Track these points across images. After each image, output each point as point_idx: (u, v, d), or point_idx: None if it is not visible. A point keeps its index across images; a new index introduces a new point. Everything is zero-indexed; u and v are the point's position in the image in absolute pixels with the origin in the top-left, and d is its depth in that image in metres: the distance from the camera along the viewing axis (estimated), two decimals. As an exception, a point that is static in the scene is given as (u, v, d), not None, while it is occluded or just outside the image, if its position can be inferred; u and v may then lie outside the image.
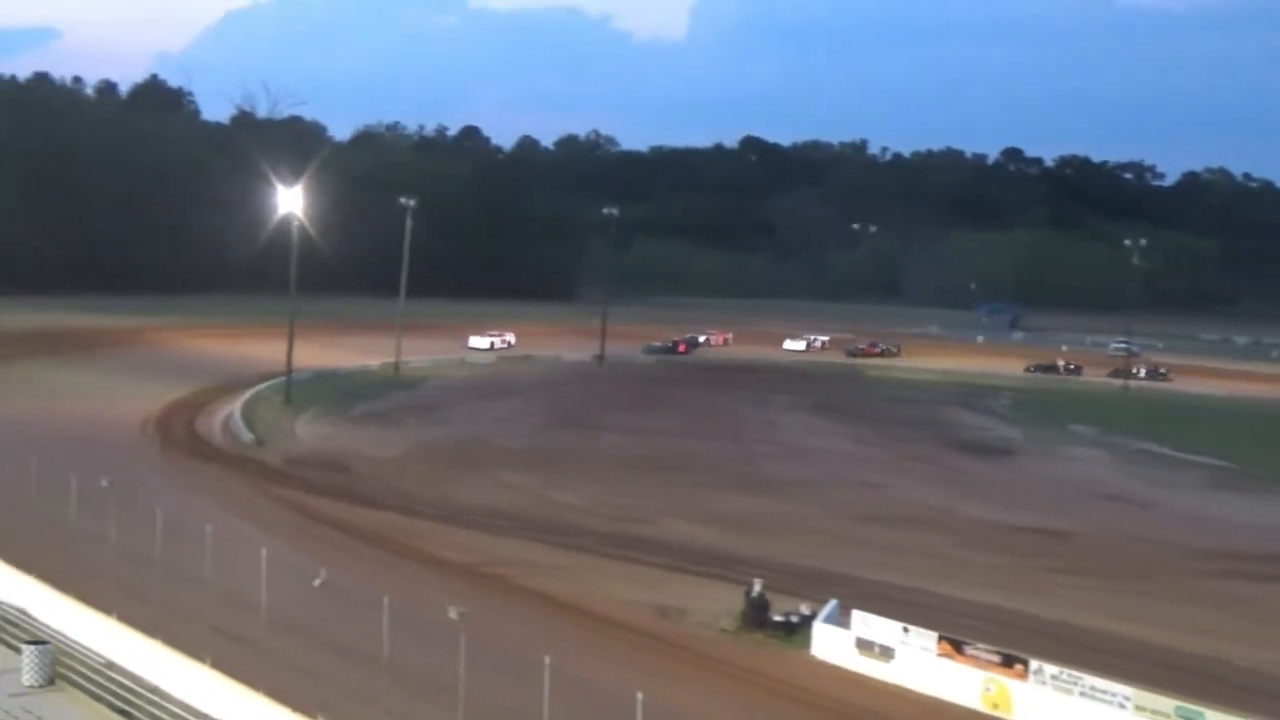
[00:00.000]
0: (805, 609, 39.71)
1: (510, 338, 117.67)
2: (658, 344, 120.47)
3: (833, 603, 39.36)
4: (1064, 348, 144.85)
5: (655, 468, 68.66)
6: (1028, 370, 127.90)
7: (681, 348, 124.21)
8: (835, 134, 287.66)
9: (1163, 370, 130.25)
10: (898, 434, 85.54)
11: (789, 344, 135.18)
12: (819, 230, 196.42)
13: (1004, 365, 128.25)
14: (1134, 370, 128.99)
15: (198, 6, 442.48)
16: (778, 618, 39.54)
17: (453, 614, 25.60)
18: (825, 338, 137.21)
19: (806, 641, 38.08)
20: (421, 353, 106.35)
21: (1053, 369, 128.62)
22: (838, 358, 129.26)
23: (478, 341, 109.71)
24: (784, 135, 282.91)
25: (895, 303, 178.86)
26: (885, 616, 36.95)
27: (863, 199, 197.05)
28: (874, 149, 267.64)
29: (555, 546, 49.97)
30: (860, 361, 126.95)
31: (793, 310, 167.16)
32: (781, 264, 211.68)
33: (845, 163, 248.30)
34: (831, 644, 37.43)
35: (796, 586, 43.47)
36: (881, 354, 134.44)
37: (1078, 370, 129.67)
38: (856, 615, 37.28)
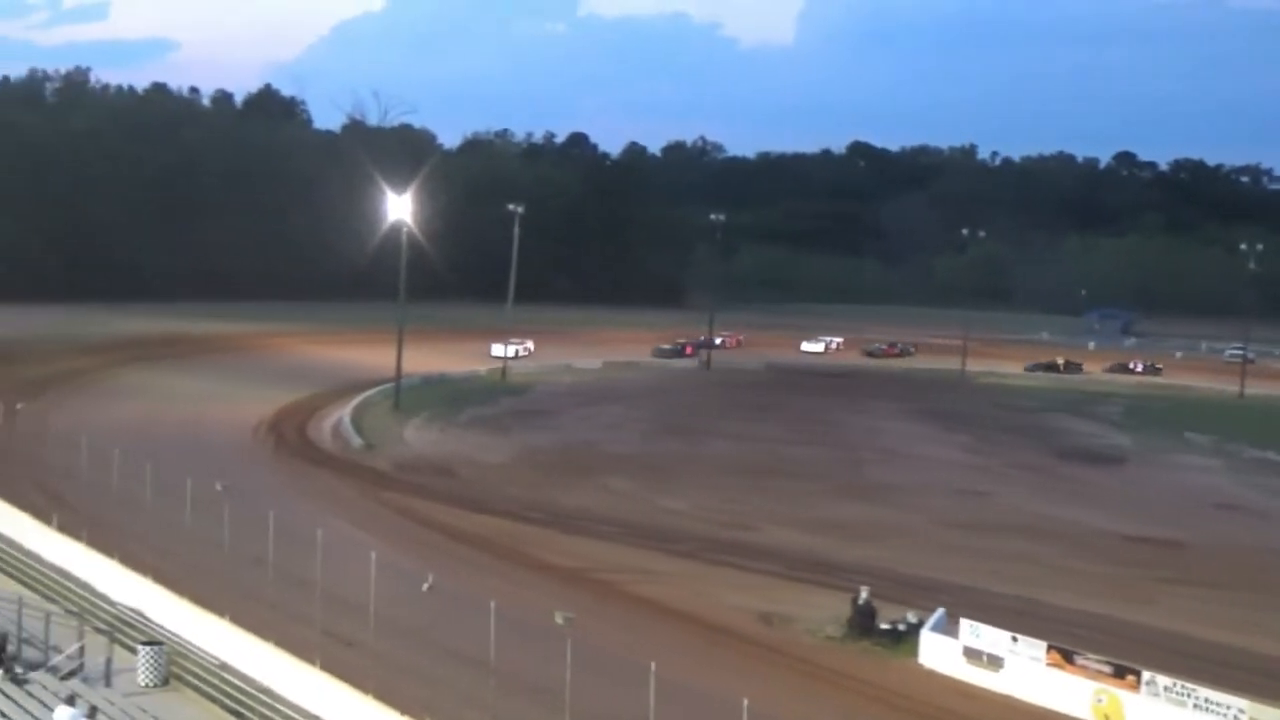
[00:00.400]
0: (912, 617, 39.47)
1: (530, 345, 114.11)
2: (667, 346, 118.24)
3: (940, 611, 39.08)
4: (1178, 354, 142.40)
5: (760, 474, 68.49)
6: (1027, 369, 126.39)
7: (689, 350, 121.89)
8: (944, 139, 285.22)
9: (1159, 366, 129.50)
10: (1004, 440, 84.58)
11: (806, 345, 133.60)
12: (927, 236, 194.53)
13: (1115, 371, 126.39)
14: (1130, 365, 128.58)
15: (309, 17, 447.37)
16: (884, 626, 39.33)
17: (559, 619, 25.70)
18: (840, 339, 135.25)
19: (914, 650, 37.83)
20: (530, 359, 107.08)
21: (1053, 367, 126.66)
22: (857, 358, 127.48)
23: (500, 349, 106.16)
24: (892, 140, 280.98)
25: (1005, 309, 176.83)
26: (993, 625, 36.63)
27: (972, 204, 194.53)
28: (983, 154, 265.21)
29: (661, 552, 50.06)
30: (945, 367, 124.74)
31: (899, 316, 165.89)
32: (889, 269, 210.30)
33: (954, 167, 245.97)
34: (939, 653, 37.15)
35: (903, 594, 43.22)
36: (900, 354, 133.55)
37: (1078, 367, 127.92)
38: (965, 624, 36.99)
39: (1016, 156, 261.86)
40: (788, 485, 65.73)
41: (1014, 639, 35.82)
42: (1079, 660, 34.54)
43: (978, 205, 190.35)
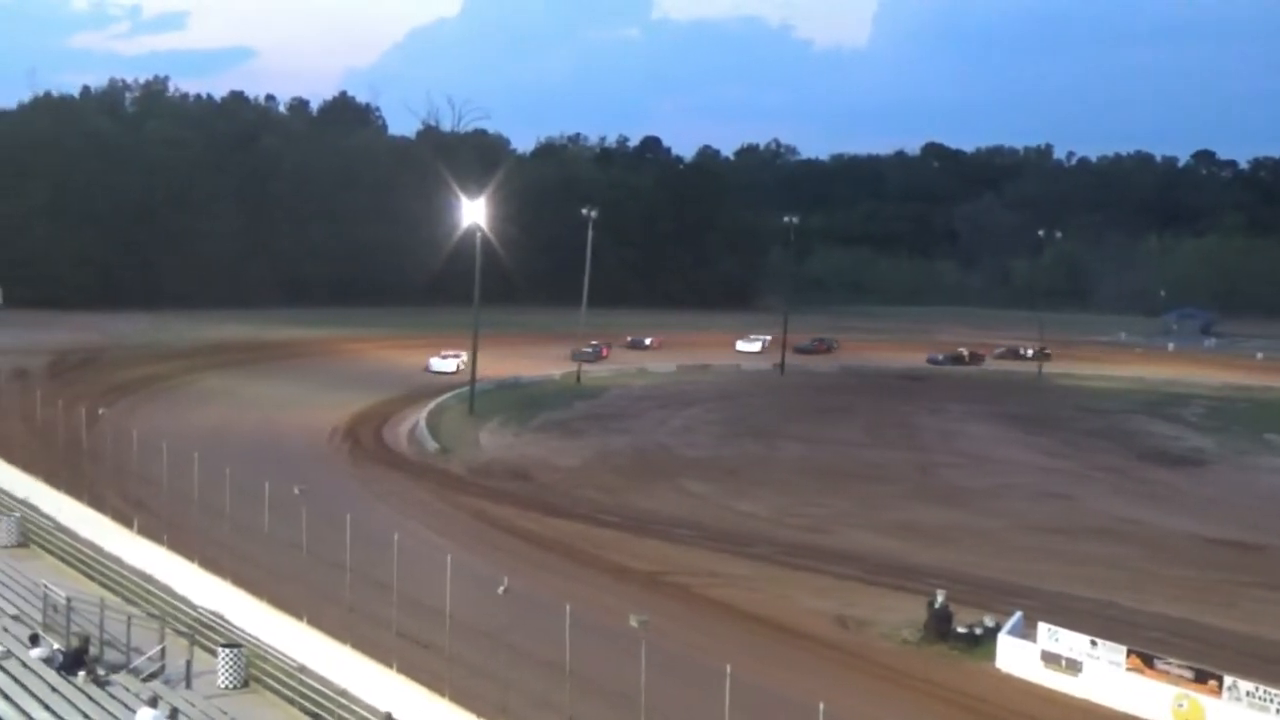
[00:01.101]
0: (989, 621, 39.23)
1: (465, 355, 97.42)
2: (586, 349, 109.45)
3: (1018, 615, 38.79)
4: (1259, 355, 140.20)
5: (836, 477, 68.26)
6: (930, 362, 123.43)
7: (605, 352, 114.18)
8: (1019, 139, 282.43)
9: (1047, 351, 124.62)
10: (1083, 443, 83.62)
11: (741, 345, 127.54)
12: (1003, 237, 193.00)
13: (1196, 373, 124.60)
14: (1022, 351, 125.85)
15: (384, 24, 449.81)
16: (961, 629, 39.10)
17: (634, 622, 25.71)
18: (769, 337, 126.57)
19: (991, 654, 37.59)
20: (604, 363, 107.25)
21: (959, 360, 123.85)
22: (792, 357, 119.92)
23: (439, 364, 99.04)
24: (967, 141, 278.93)
25: (1083, 310, 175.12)
26: (1072, 629, 36.29)
27: (1048, 205, 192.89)
28: (1059, 154, 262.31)
29: (736, 555, 50.04)
30: (1024, 369, 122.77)
31: (975, 318, 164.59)
32: (964, 271, 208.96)
33: (1030, 168, 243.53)
34: (1017, 657, 36.88)
35: (979, 598, 42.97)
36: (827, 350, 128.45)
37: (979, 359, 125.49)
38: (1043, 628, 36.68)
39: (1093, 156, 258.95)
40: (863, 488, 65.46)
41: (1093, 643, 35.49)
42: (1159, 665, 34.15)
43: (1054, 206, 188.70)
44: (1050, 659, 36.02)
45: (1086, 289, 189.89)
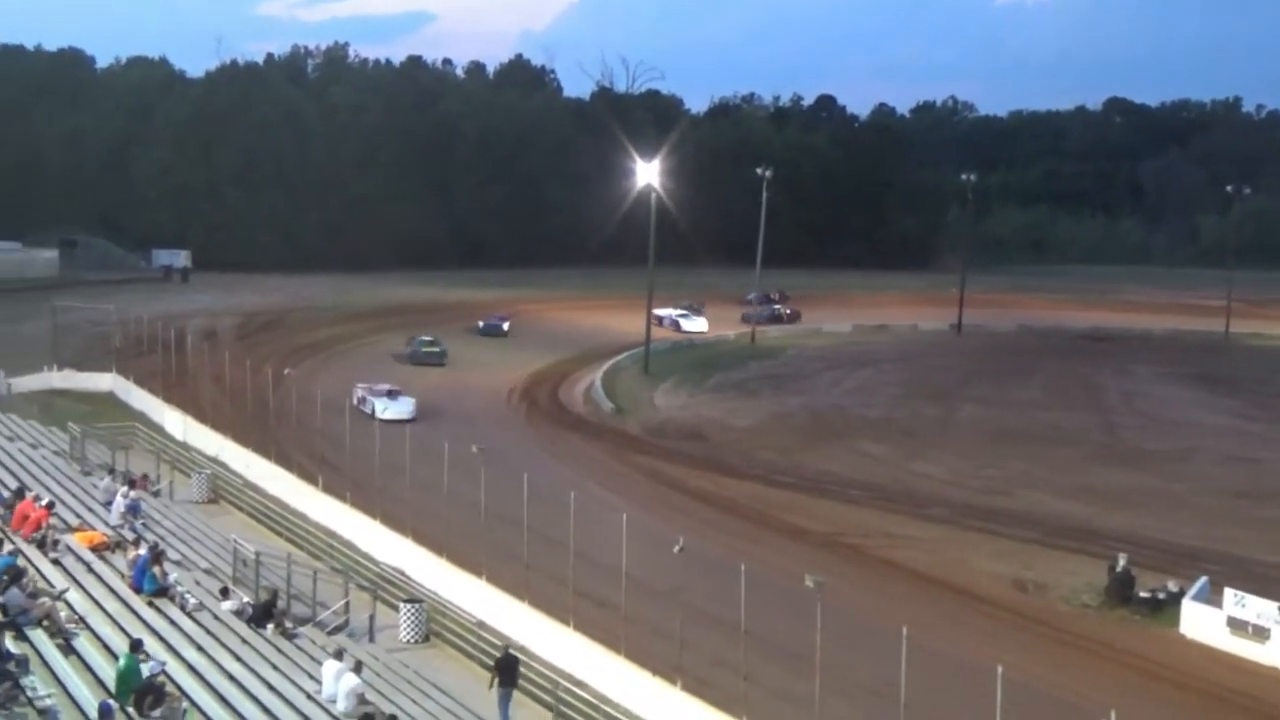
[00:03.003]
0: (1173, 586, 38.43)
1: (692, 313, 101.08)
2: (483, 323, 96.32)
3: (1203, 580, 37.92)
4: None
5: (1015, 439, 67.18)
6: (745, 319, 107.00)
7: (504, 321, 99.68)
8: (1206, 92, 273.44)
9: (789, 311, 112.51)
10: (1273, 405, 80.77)
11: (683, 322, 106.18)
12: (1190, 194, 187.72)
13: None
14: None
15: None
16: (1144, 594, 38.37)
17: (809, 582, 25.60)
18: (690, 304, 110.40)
19: (1174, 620, 36.83)
20: (779, 323, 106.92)
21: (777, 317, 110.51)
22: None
23: (690, 324, 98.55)
24: (1151, 95, 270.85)
25: (1276, 268, 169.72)
26: (1260, 595, 35.33)
27: (1237, 160, 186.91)
28: (1249, 107, 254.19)
29: (912, 517, 49.67)
30: (1226, 331, 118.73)
31: (1160, 278, 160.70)
32: (1149, 230, 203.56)
33: (1217, 122, 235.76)
34: (1201, 623, 36.05)
35: (1163, 562, 42.14)
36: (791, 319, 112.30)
37: (797, 316, 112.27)
38: (1229, 593, 35.79)
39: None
40: (1044, 450, 64.32)
41: (1282, 609, 34.54)
42: (1353, 633, 33.15)
43: (1244, 161, 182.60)
44: (1237, 625, 35.13)
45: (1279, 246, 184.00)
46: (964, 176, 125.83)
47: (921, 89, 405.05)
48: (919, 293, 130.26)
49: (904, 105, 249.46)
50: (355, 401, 62.19)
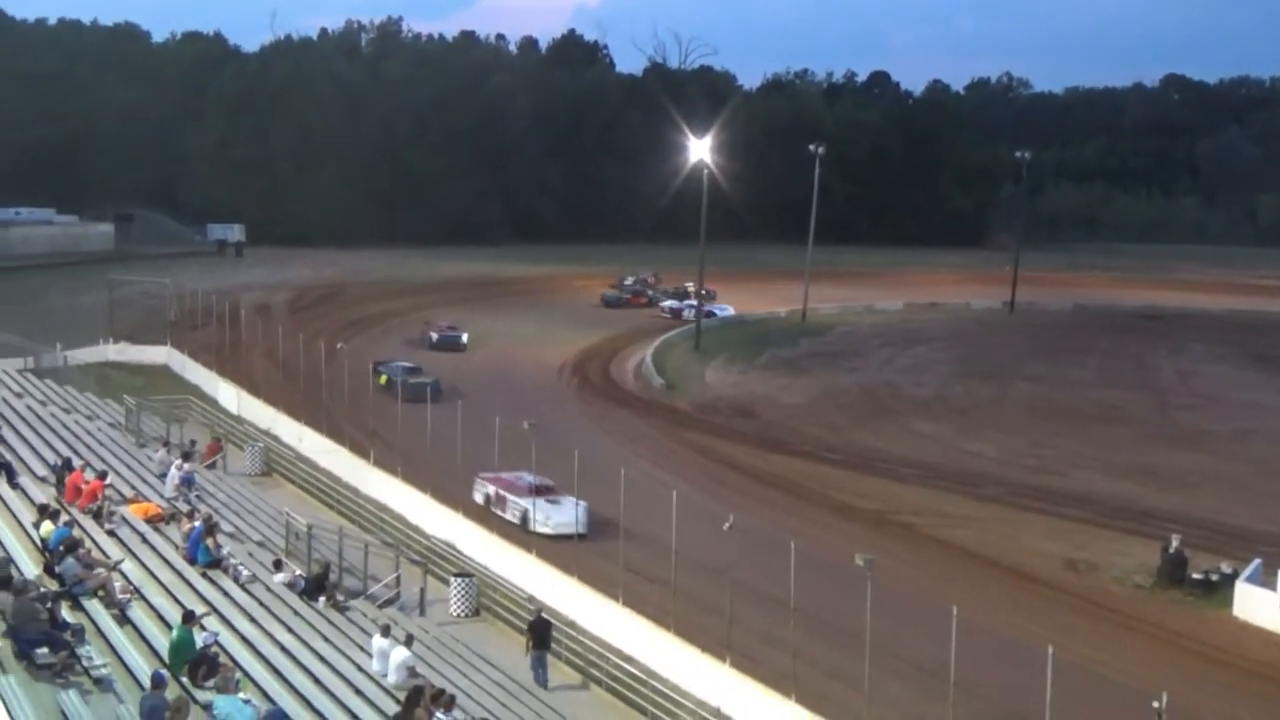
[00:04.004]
0: (1226, 567, 38.13)
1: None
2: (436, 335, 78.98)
3: (1257, 562, 37.58)
4: None
5: (1068, 418, 66.74)
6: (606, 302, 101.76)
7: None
8: (1266, 69, 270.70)
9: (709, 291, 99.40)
10: (1337, 386, 79.98)
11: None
12: (1248, 172, 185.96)
13: None
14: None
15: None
16: (1197, 575, 38.05)
17: (859, 561, 25.54)
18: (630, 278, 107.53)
19: (1227, 601, 36.53)
20: (830, 300, 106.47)
21: (682, 294, 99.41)
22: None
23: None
24: (1210, 72, 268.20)
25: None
26: (1316, 578, 35.03)
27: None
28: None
29: (964, 496, 49.44)
30: None
31: (1217, 256, 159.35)
32: (1206, 208, 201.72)
33: (1277, 99, 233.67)
34: (1255, 604, 35.74)
35: (1217, 544, 41.80)
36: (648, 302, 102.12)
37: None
38: (1284, 575, 35.48)
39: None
40: (1097, 430, 63.89)
41: (1339, 593, 34.22)
42: None
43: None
44: (1292, 607, 34.83)
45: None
46: (1018, 154, 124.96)
47: (976, 65, 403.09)
48: (971, 270, 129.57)
49: (958, 82, 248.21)
50: (482, 500, 43.19)
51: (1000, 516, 46.58)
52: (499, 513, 41.82)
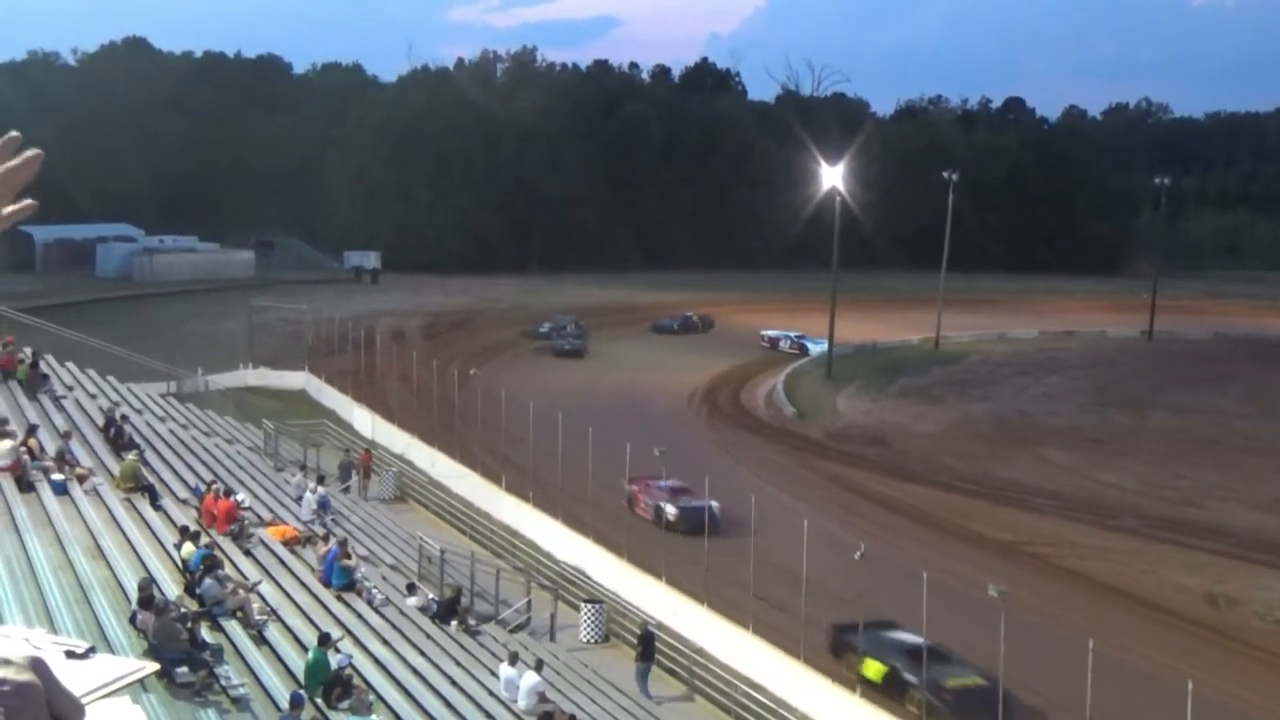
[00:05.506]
0: (1375, 604, 37.12)
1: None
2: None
3: (1407, 599, 36.54)
4: None
5: (1207, 448, 65.36)
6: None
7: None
8: None
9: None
10: None
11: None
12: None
13: None
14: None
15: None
16: (1344, 612, 37.10)
17: (993, 591, 25.32)
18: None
19: (1378, 639, 35.53)
20: (963, 328, 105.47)
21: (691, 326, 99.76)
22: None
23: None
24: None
25: None
26: None
27: None
28: None
29: (1099, 527, 48.68)
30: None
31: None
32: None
33: None
34: (1406, 643, 34.72)
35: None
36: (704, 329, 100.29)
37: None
38: None
39: None
40: (1239, 460, 62.47)
41: None
42: None
43: None
44: None
45: None
46: (1157, 180, 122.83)
47: (1114, 91, 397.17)
48: (1108, 298, 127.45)
49: (1095, 107, 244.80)
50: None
51: (1136, 548, 45.76)
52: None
